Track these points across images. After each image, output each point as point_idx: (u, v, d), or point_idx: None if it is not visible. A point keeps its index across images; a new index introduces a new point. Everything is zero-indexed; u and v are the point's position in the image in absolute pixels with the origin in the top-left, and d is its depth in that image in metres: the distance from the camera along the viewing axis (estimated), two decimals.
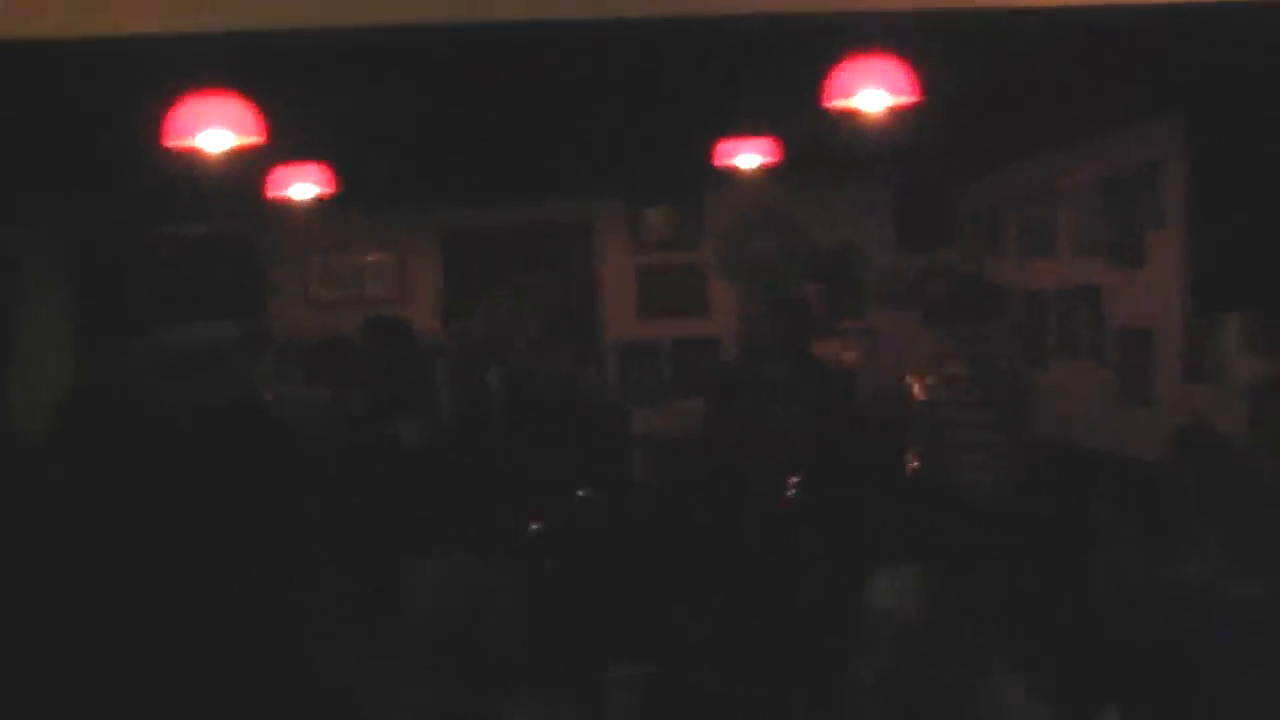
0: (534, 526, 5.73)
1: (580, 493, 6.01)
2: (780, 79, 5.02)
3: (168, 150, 4.50)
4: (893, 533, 5.21)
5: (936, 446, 6.44)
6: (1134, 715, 3.02)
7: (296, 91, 4.75)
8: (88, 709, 3.69)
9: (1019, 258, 8.30)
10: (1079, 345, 7.56)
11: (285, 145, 5.19)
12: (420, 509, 5.25)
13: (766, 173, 6.91)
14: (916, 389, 6.36)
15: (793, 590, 5.26)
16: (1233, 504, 4.55)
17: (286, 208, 6.98)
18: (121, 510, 4.67)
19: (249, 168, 5.58)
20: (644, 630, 4.80)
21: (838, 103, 4.65)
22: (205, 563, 4.23)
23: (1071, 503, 5.17)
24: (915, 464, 6.61)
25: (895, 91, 4.56)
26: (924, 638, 3.60)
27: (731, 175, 6.98)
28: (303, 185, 6.47)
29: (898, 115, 4.85)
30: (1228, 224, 5.01)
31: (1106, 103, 6.20)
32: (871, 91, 4.60)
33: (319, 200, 6.68)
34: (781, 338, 6.32)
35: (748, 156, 6.64)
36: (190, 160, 4.76)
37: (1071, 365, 7.66)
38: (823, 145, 6.39)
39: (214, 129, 4.41)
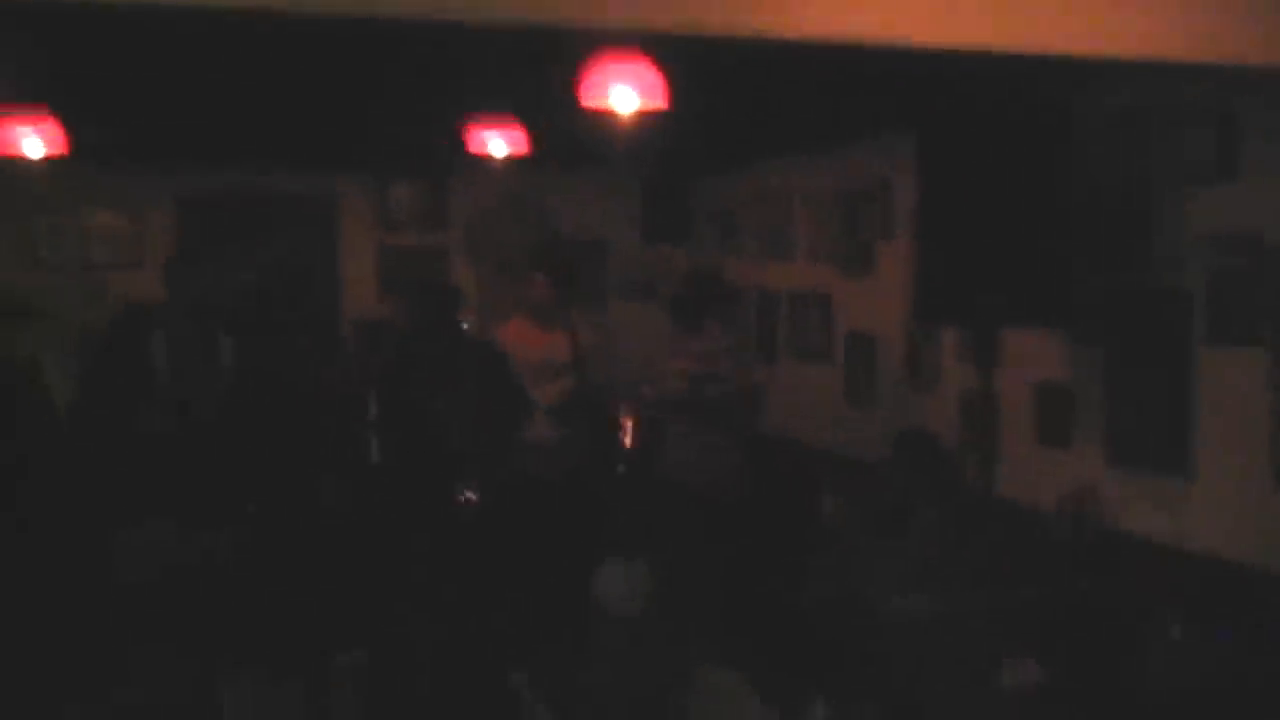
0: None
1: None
2: (533, 69, 5.06)
3: None
4: (615, 526, 5.34)
5: (660, 440, 6.62)
6: (840, 709, 3.20)
7: (22, 38, 4.52)
8: None
9: (755, 258, 8.56)
10: (808, 347, 7.86)
11: (9, 95, 4.93)
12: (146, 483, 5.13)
13: (515, 160, 6.95)
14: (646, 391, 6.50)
15: (506, 575, 5.34)
16: (941, 503, 4.84)
17: (10, 163, 6.62)
18: None
19: None
20: (366, 618, 4.80)
21: (592, 101, 4.73)
22: None
23: (795, 500, 5.40)
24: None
25: (646, 95, 4.67)
26: (648, 630, 3.73)
27: (481, 160, 7.00)
28: (28, 141, 6.14)
29: (646, 116, 4.96)
30: (948, 242, 5.29)
31: (845, 117, 6.47)
32: (624, 91, 4.70)
33: (47, 158, 6.34)
34: (428, 322, 6.43)
35: (497, 142, 6.67)
36: None
37: (800, 366, 7.95)
38: (574, 140, 6.47)
39: None
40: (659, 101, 4.70)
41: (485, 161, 6.99)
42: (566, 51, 4.53)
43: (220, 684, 3.65)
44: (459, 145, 6.70)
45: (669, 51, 4.51)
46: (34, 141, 6.11)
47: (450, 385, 6.23)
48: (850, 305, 7.39)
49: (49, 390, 6.19)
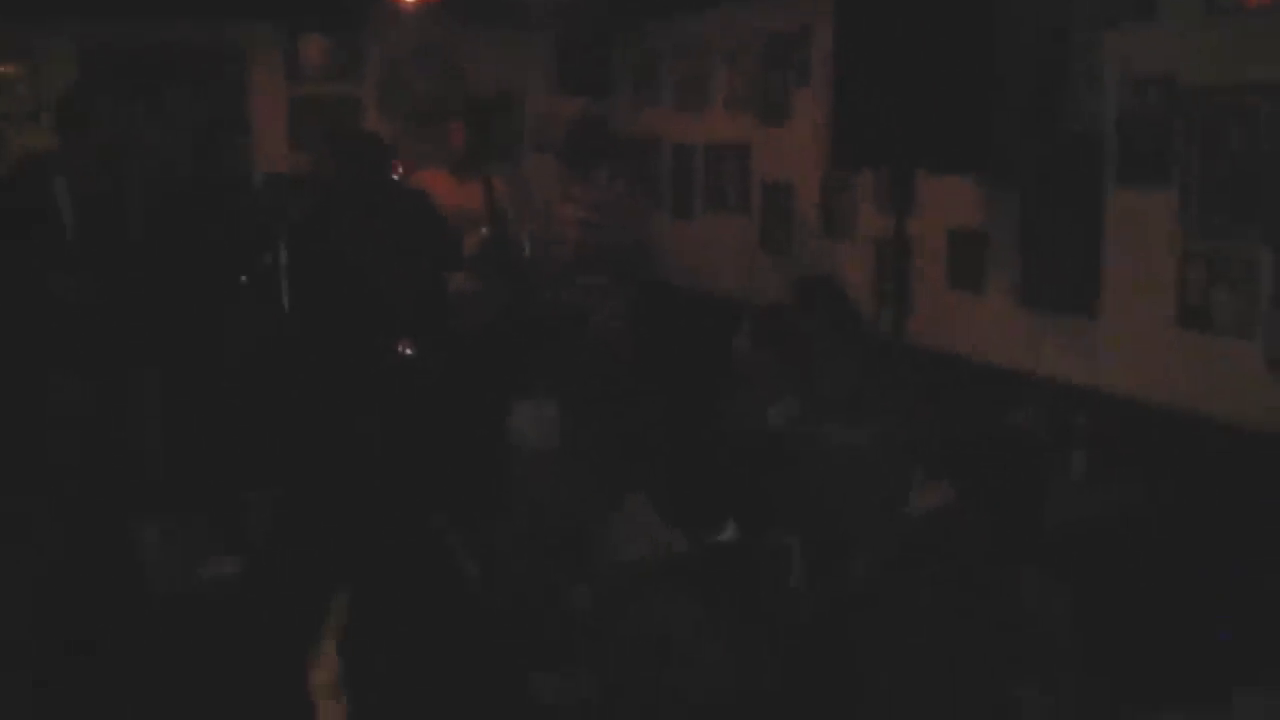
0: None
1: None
2: None
3: None
4: (527, 370, 5.36)
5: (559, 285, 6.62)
6: (749, 531, 3.25)
7: None
8: None
9: (673, 110, 8.47)
10: (725, 198, 7.83)
11: None
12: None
13: (428, 7, 6.80)
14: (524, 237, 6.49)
15: (427, 423, 5.34)
16: (844, 350, 4.90)
17: None
18: None
19: None
20: (275, 455, 4.79)
21: None
22: None
23: (705, 344, 5.43)
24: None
25: None
26: (561, 465, 3.75)
27: (393, 8, 6.84)
28: None
29: None
30: (864, 87, 5.26)
31: None
32: None
33: None
34: (355, 173, 6.30)
35: None
36: None
37: (717, 217, 7.94)
38: None
39: None
40: None
41: (398, 8, 6.84)
42: None
43: (130, 523, 3.64)
44: None
45: None
46: None
47: (380, 236, 6.13)
48: (767, 154, 7.36)
49: None
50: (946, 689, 2.98)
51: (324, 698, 2.52)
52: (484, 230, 6.85)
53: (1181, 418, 4.60)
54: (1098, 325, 5.03)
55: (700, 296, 7.76)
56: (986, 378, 5.46)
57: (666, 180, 8.46)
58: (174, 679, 3.10)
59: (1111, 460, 4.62)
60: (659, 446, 4.03)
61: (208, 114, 8.00)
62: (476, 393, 5.55)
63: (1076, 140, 5.08)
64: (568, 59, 9.19)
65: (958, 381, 5.46)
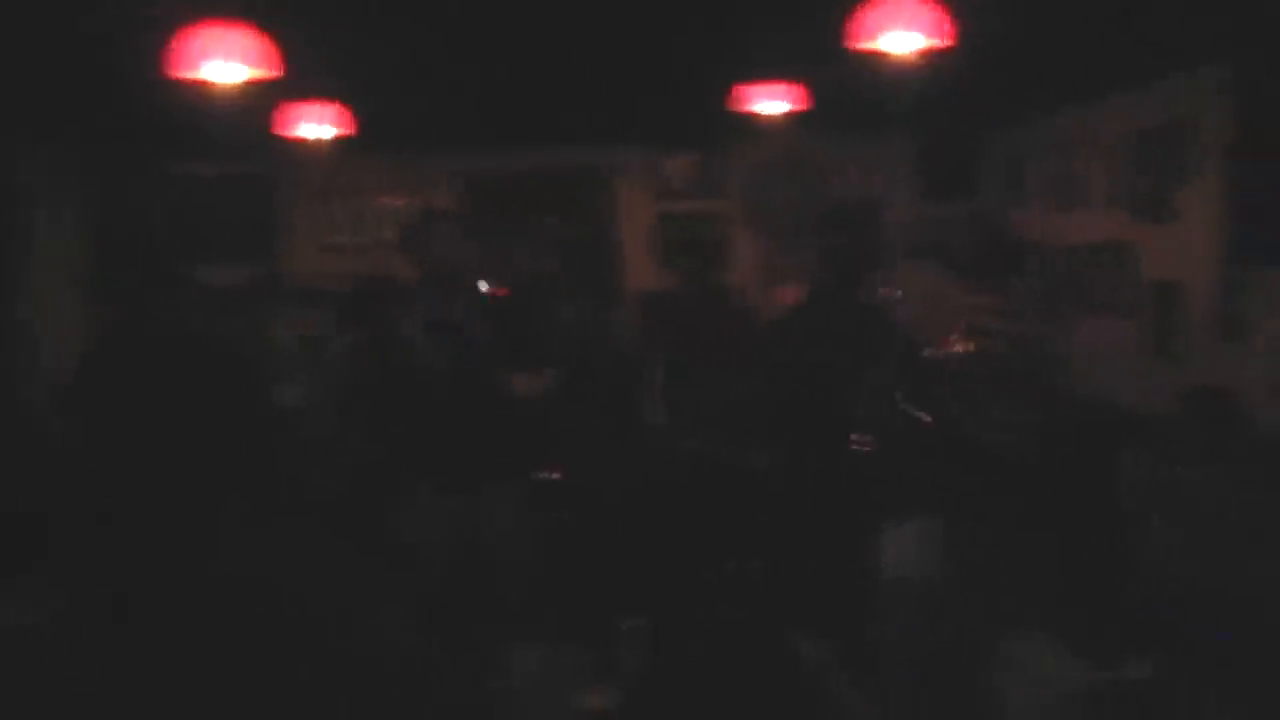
0: (551, 476, 5.59)
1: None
2: (803, 20, 4.88)
3: (175, 82, 4.33)
4: (913, 486, 5.11)
5: (958, 399, 6.31)
6: (1164, 669, 2.93)
7: (312, 25, 4.60)
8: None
9: (1044, 210, 8.14)
10: (1105, 299, 7.41)
11: (299, 81, 5.02)
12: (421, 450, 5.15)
13: (790, 119, 6.74)
14: (959, 348, 6.20)
15: (806, 541, 5.17)
16: (1238, 465, 4.45)
17: (301, 148, 6.82)
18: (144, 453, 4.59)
19: (261, 104, 5.44)
20: (651, 579, 4.72)
21: (863, 44, 4.50)
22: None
23: (1095, 458, 5.07)
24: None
25: (924, 33, 4.41)
26: (943, 593, 3.52)
27: (753, 122, 6.82)
28: (317, 125, 6.27)
29: (924, 58, 4.69)
30: (1268, 179, 4.85)
31: (1141, 53, 6.04)
32: (899, 33, 4.45)
33: (335, 141, 6.48)
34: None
35: (770, 102, 6.47)
36: (198, 93, 4.59)
37: (1098, 320, 7.52)
38: (847, 90, 6.22)
39: (224, 61, 4.24)
40: (938, 38, 4.43)
41: (758, 122, 6.82)
42: None
43: (503, 649, 3.64)
44: (730, 107, 6.55)
45: None
46: (323, 127, 6.25)
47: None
48: (1152, 253, 6.92)
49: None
50: None
51: None
52: None
53: None
54: None
55: (1079, 402, 7.33)
56: None
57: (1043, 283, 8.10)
58: None
59: None
60: (1060, 573, 3.72)
61: (579, 234, 8.22)
62: (846, 507, 5.36)
63: None
64: (931, 162, 9.00)
65: None
